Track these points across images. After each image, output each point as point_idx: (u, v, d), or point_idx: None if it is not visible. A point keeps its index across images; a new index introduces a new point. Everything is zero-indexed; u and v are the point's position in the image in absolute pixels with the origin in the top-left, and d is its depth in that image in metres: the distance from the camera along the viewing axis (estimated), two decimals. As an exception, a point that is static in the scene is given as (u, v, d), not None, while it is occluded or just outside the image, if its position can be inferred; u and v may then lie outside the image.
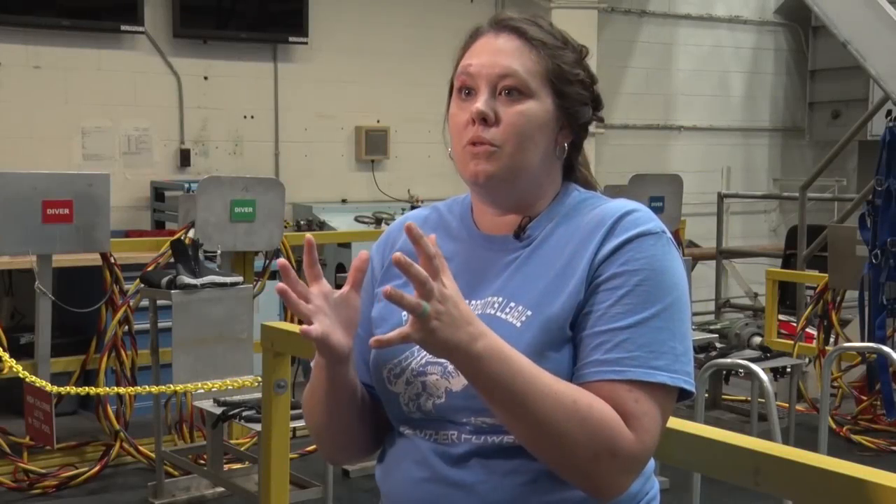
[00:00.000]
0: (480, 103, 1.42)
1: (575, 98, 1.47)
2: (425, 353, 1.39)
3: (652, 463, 1.48)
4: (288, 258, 5.23)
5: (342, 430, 1.52)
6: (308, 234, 1.35)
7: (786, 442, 4.42)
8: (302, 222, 6.64)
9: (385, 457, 1.52)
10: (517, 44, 1.45)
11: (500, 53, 1.44)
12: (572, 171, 1.54)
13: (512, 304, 1.41)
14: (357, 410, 1.49)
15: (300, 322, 1.37)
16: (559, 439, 1.29)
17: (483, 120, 1.42)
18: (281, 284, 1.34)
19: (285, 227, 5.60)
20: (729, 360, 4.51)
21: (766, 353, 5.11)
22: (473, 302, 1.44)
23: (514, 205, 1.48)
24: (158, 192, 6.42)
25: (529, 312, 1.39)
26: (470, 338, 1.28)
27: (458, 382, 1.40)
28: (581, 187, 1.53)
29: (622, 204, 1.44)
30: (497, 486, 1.38)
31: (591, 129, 1.57)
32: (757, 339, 5.29)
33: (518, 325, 1.39)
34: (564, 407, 1.29)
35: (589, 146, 1.63)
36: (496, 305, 1.42)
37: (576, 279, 1.39)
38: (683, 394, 1.38)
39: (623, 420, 1.31)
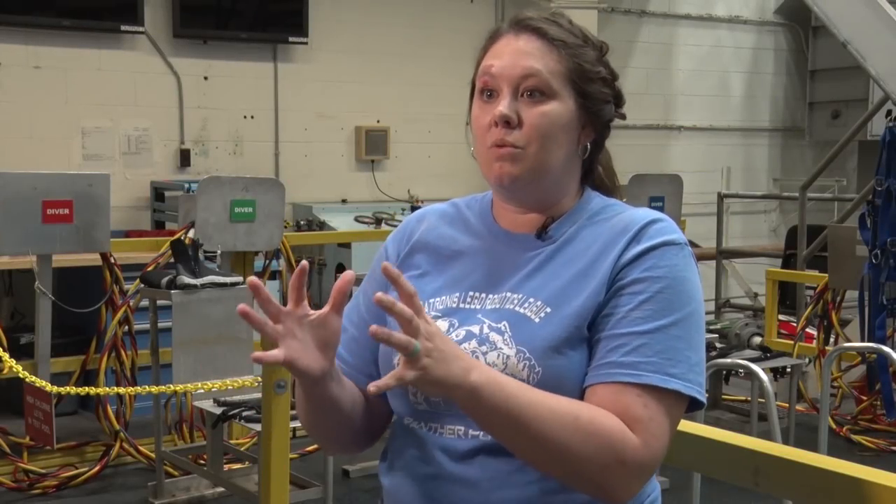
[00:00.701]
0: (503, 106, 1.42)
1: (597, 97, 1.47)
2: None
3: None
4: (288, 258, 5.23)
5: (328, 433, 1.53)
6: (304, 261, 1.33)
7: (786, 442, 4.42)
8: (302, 222, 6.63)
9: (389, 451, 1.52)
10: (538, 44, 1.44)
11: (522, 54, 1.44)
12: (591, 170, 1.54)
13: (531, 300, 1.41)
14: (343, 416, 1.48)
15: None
16: (567, 457, 1.30)
17: (506, 122, 1.42)
18: (242, 306, 1.29)
19: (285, 227, 5.60)
20: (729, 360, 4.51)
21: (766, 353, 5.11)
22: (490, 296, 1.45)
23: (537, 204, 1.48)
24: (158, 192, 6.42)
25: (549, 309, 1.40)
26: (464, 371, 1.27)
27: None
28: (599, 191, 1.54)
29: (647, 212, 1.45)
30: (501, 485, 1.38)
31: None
32: (757, 339, 5.29)
33: (537, 320, 1.39)
34: (567, 424, 1.30)
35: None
36: (515, 301, 1.42)
37: (597, 280, 1.39)
38: (693, 404, 1.39)
39: (629, 425, 1.32)
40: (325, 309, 1.33)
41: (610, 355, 1.35)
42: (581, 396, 1.37)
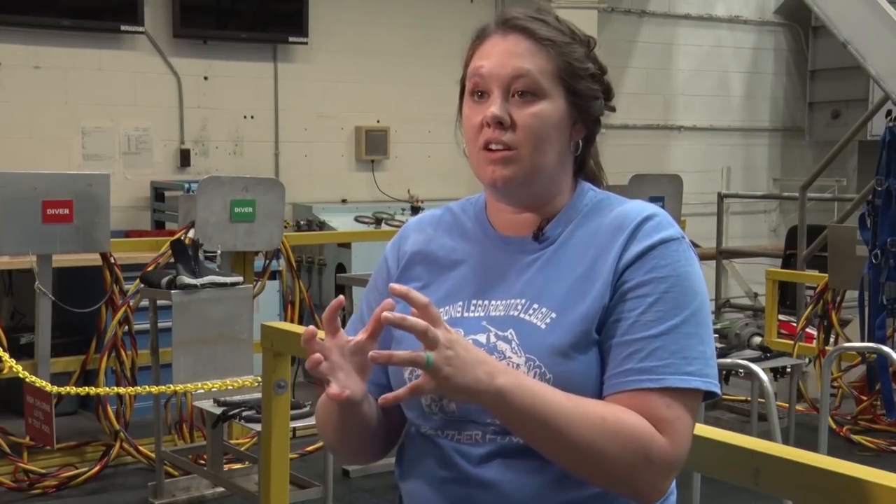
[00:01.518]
0: (495, 107, 1.42)
1: (587, 93, 1.47)
2: None
3: None
4: (288, 258, 5.23)
5: (354, 447, 1.54)
6: (341, 296, 1.40)
7: (786, 442, 4.42)
8: (302, 222, 6.63)
9: (404, 457, 1.53)
10: (527, 44, 1.44)
11: (511, 55, 1.43)
12: (584, 164, 1.54)
13: (535, 306, 1.41)
14: (370, 430, 1.50)
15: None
16: (595, 457, 1.31)
17: (499, 123, 1.42)
18: (310, 358, 1.33)
19: (285, 227, 5.60)
20: (729, 360, 4.50)
21: (766, 353, 5.10)
22: (494, 303, 1.45)
23: (531, 203, 1.48)
24: (158, 192, 6.42)
25: (554, 315, 1.40)
26: (489, 377, 1.28)
27: None
28: (593, 184, 1.54)
29: (642, 207, 1.45)
30: (521, 485, 1.39)
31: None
32: (757, 339, 5.28)
33: (543, 326, 1.39)
34: (595, 425, 1.31)
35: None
36: (519, 307, 1.42)
37: (600, 282, 1.40)
38: (708, 394, 1.39)
39: (655, 426, 1.33)
40: (363, 336, 1.35)
41: (626, 362, 1.36)
42: (594, 398, 1.37)
